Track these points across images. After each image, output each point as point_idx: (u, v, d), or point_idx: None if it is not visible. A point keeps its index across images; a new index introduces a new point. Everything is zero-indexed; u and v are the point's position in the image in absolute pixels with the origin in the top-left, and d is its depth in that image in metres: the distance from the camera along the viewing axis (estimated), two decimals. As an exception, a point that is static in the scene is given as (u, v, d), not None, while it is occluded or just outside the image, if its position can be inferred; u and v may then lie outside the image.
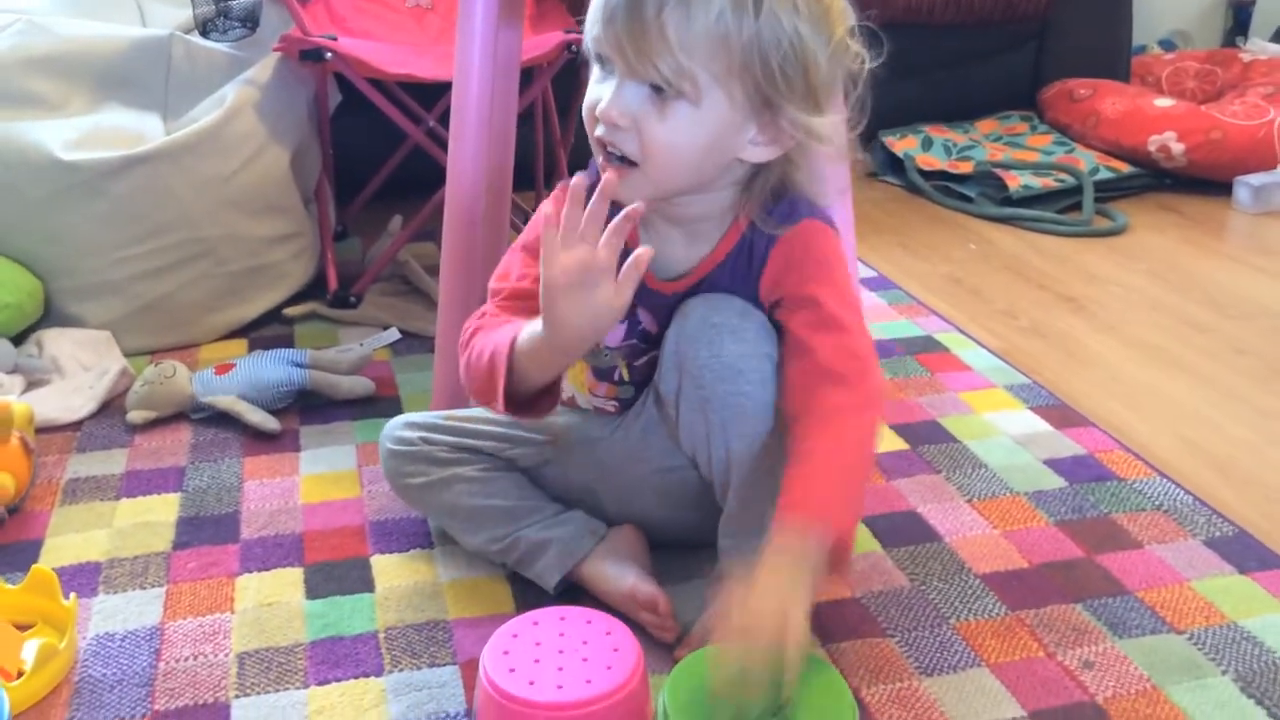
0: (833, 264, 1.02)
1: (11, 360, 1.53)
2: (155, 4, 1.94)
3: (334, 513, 1.27)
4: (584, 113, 0.98)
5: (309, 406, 1.50)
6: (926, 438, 1.44)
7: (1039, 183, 2.34)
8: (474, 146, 1.37)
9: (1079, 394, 1.57)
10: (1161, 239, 2.19)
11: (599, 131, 0.96)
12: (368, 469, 1.36)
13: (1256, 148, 2.35)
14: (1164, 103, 2.48)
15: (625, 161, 0.95)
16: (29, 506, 1.29)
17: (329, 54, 1.68)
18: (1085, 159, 2.45)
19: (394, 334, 1.69)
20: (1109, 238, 2.20)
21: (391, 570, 1.18)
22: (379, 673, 1.03)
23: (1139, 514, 1.27)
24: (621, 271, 0.91)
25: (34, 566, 1.10)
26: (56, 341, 1.58)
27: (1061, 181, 2.36)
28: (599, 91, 0.95)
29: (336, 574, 1.17)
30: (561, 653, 0.91)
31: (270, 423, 1.43)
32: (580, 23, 1.93)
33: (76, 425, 1.46)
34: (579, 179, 0.92)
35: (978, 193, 2.36)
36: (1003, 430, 1.46)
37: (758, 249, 1.02)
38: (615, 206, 1.03)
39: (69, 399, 1.49)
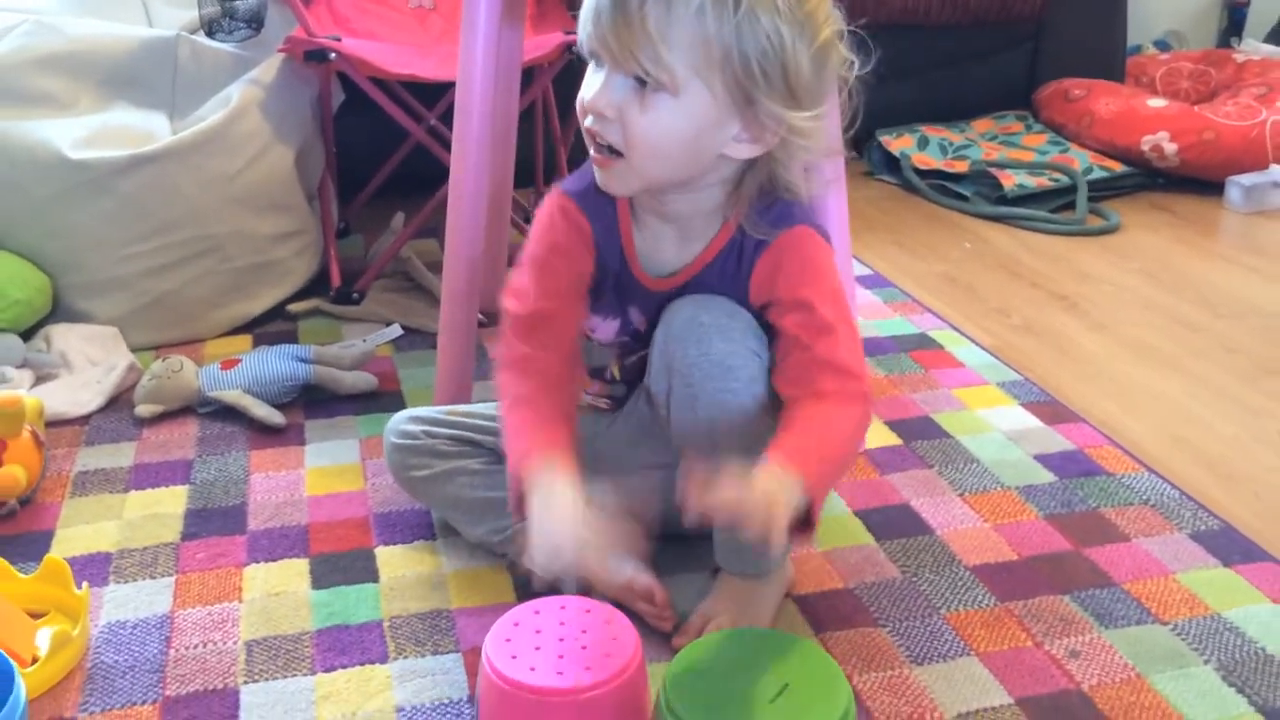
0: (822, 269, 1.04)
1: (21, 355, 1.56)
2: (161, 5, 1.96)
3: (339, 505, 1.30)
4: (577, 106, 1.01)
5: (313, 401, 1.52)
6: (920, 433, 1.46)
7: (1033, 182, 2.37)
8: (476, 145, 1.39)
9: (1070, 391, 1.60)
10: (1154, 238, 2.22)
11: (588, 122, 0.99)
12: (371, 462, 1.39)
13: (1248, 148, 2.38)
14: (1157, 103, 2.51)
15: (612, 152, 0.99)
16: (40, 498, 1.31)
17: (333, 54, 1.70)
18: (1079, 158, 2.48)
19: (396, 330, 1.71)
20: (1102, 236, 2.23)
21: (395, 561, 1.20)
22: (384, 660, 1.06)
23: (1127, 508, 1.30)
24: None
25: (47, 556, 1.13)
26: (65, 337, 1.61)
27: (1056, 181, 2.38)
28: (587, 85, 0.99)
29: (341, 565, 1.20)
30: (562, 640, 0.94)
31: (275, 417, 1.46)
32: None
33: (85, 419, 1.49)
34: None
35: (973, 192, 2.39)
36: (995, 426, 1.48)
37: (747, 251, 1.04)
38: (609, 198, 1.06)
39: (77, 393, 1.51)
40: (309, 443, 1.44)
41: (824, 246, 1.05)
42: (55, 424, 1.46)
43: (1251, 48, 3.04)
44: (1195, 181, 2.43)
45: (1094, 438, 1.45)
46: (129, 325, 1.66)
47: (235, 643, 1.08)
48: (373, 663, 1.06)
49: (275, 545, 1.23)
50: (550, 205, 1.09)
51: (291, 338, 1.72)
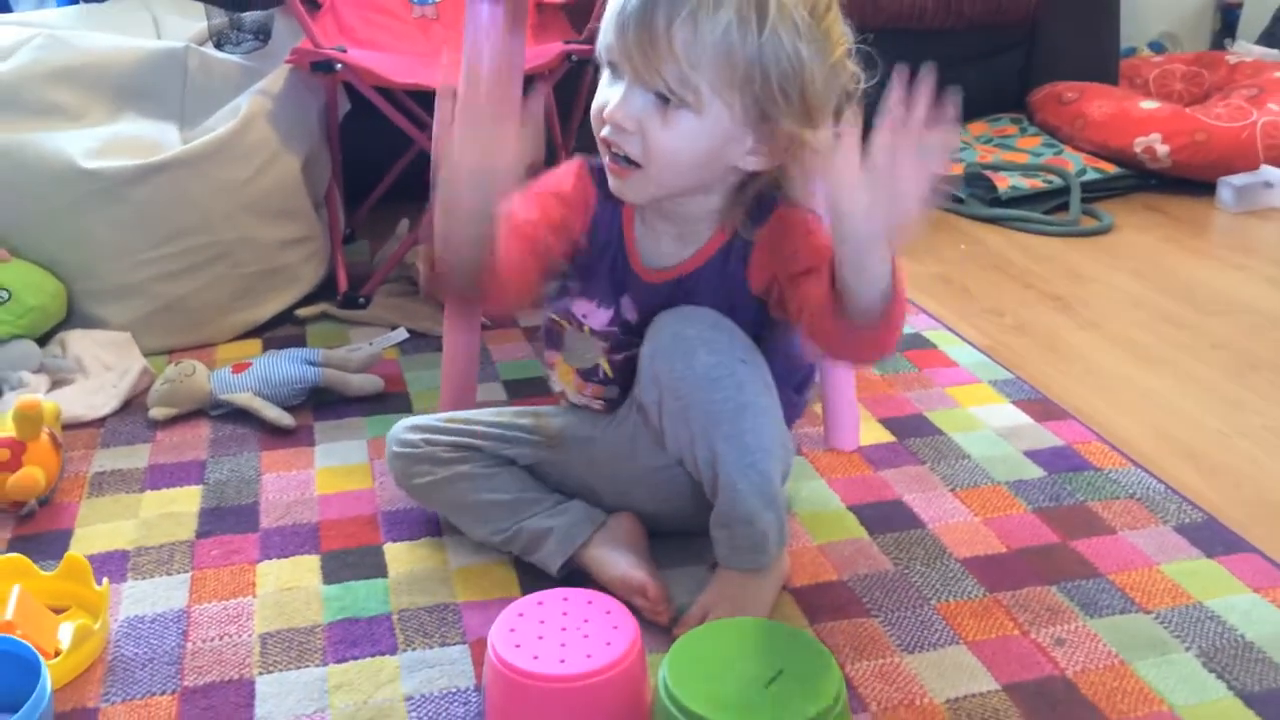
0: (814, 233, 1.06)
1: (37, 360, 1.60)
2: (170, 17, 2.00)
3: (348, 503, 1.34)
4: (592, 113, 1.04)
5: (322, 403, 1.56)
6: (913, 430, 1.50)
7: (1027, 184, 2.40)
8: (479, 154, 1.43)
9: (1060, 388, 1.63)
10: (1146, 238, 2.25)
11: (605, 132, 1.02)
12: (379, 462, 1.42)
13: (1240, 149, 2.41)
14: (1149, 105, 2.55)
15: (629, 162, 1.02)
16: (58, 499, 1.35)
17: (339, 65, 1.74)
18: (1073, 160, 2.51)
19: (402, 334, 1.75)
20: (1095, 237, 2.26)
21: (403, 557, 1.24)
22: (393, 651, 1.10)
23: (1113, 502, 1.34)
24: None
25: (67, 554, 1.17)
26: (80, 342, 1.65)
27: (1050, 183, 2.42)
28: (607, 94, 1.02)
29: (351, 560, 1.23)
30: (564, 630, 0.98)
31: (285, 419, 1.50)
32: (579, 33, 2.00)
33: (100, 422, 1.53)
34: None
35: (968, 194, 2.43)
36: (986, 423, 1.52)
37: (736, 248, 1.09)
38: (615, 200, 1.09)
39: (92, 397, 1.55)
40: (318, 443, 1.48)
41: (805, 214, 1.07)
42: (72, 427, 1.50)
43: (1244, 49, 3.08)
44: (1188, 182, 2.47)
45: (1082, 434, 1.49)
46: (142, 330, 1.70)
47: (250, 635, 1.12)
48: (382, 654, 1.09)
49: (287, 542, 1.27)
50: (571, 165, 1.12)
51: (300, 342, 1.76)
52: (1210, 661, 1.08)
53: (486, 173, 0.92)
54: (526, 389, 1.60)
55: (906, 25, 2.66)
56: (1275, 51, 3.01)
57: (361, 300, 1.86)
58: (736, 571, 1.13)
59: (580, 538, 1.17)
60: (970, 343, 1.77)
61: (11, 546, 1.25)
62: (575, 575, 1.17)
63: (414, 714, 1.02)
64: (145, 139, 1.74)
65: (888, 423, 1.52)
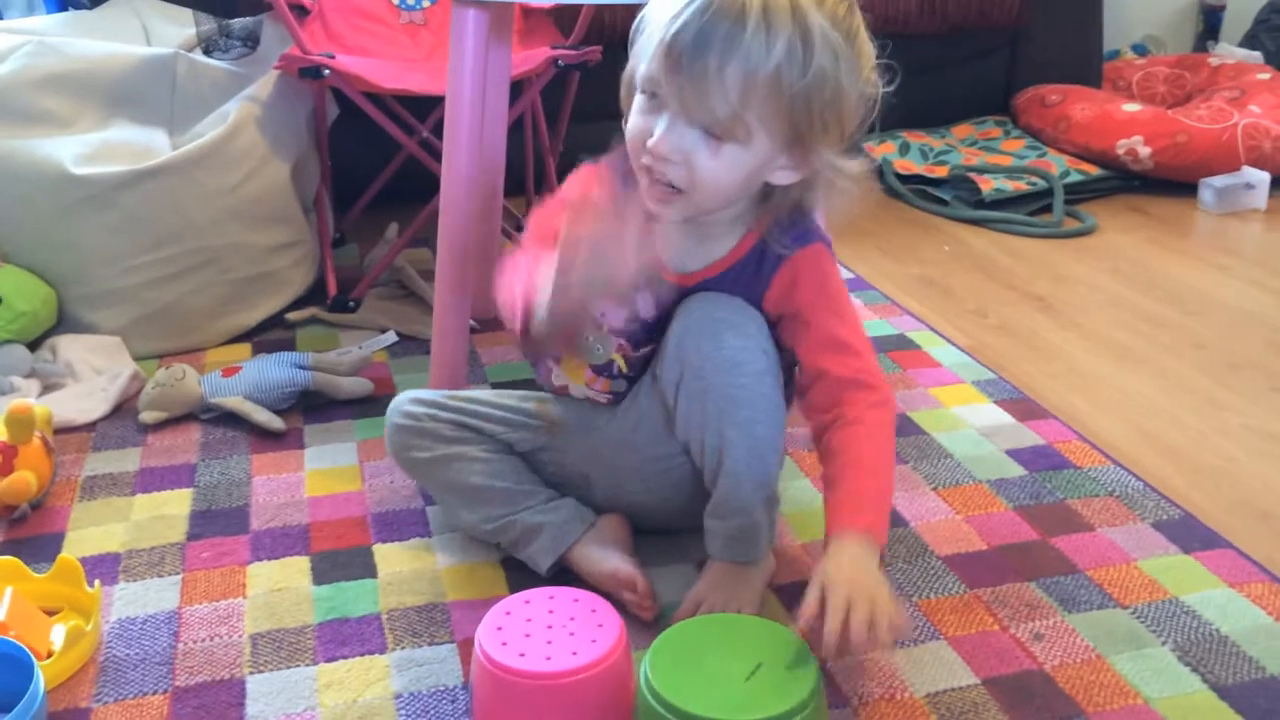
0: (834, 287, 1.12)
1: (28, 365, 1.61)
2: (160, 24, 2.02)
3: (337, 505, 1.36)
4: (629, 138, 1.05)
5: (312, 406, 1.58)
6: (897, 430, 1.49)
7: (1011, 186, 2.43)
8: (466, 158, 1.45)
9: (1042, 388, 1.66)
10: (1128, 239, 2.28)
11: (646, 160, 1.03)
12: (368, 464, 1.44)
13: (1220, 150, 2.44)
14: (1131, 107, 2.57)
15: (671, 188, 1.04)
16: (50, 502, 1.37)
17: (327, 71, 1.76)
18: (1056, 162, 2.54)
19: (391, 337, 1.77)
20: (1078, 238, 2.29)
21: (392, 557, 1.26)
22: (383, 650, 1.11)
23: (1092, 499, 1.36)
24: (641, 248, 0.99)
25: (59, 556, 1.18)
26: (70, 347, 1.66)
27: (1033, 185, 2.44)
28: (647, 123, 1.02)
29: (341, 561, 1.25)
30: (550, 628, 0.99)
31: (275, 422, 1.51)
32: (566, 38, 2.01)
33: (91, 426, 1.54)
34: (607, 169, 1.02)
35: (953, 196, 2.45)
36: (968, 423, 1.54)
37: (767, 262, 1.11)
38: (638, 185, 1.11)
39: (83, 401, 1.56)
40: (308, 446, 1.49)
41: (834, 264, 1.13)
42: (63, 431, 1.51)
43: (1226, 51, 3.11)
44: (1170, 184, 2.49)
45: (1063, 433, 1.51)
46: (132, 335, 1.71)
47: (240, 636, 1.13)
48: (372, 653, 1.11)
49: (277, 544, 1.28)
50: (595, 169, 1.13)
51: (290, 345, 1.77)
52: (1186, 655, 1.10)
53: (606, 285, 1.01)
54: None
55: (891, 30, 2.66)
56: (1257, 54, 3.05)
57: (351, 304, 1.87)
58: (728, 563, 1.15)
59: (572, 536, 1.19)
60: (953, 343, 1.79)
61: (4, 549, 1.26)
62: (561, 574, 1.19)
63: (403, 712, 1.03)
64: (135, 145, 1.75)
65: (871, 423, 1.53)
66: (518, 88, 1.86)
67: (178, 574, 1.23)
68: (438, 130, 1.93)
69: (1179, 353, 1.78)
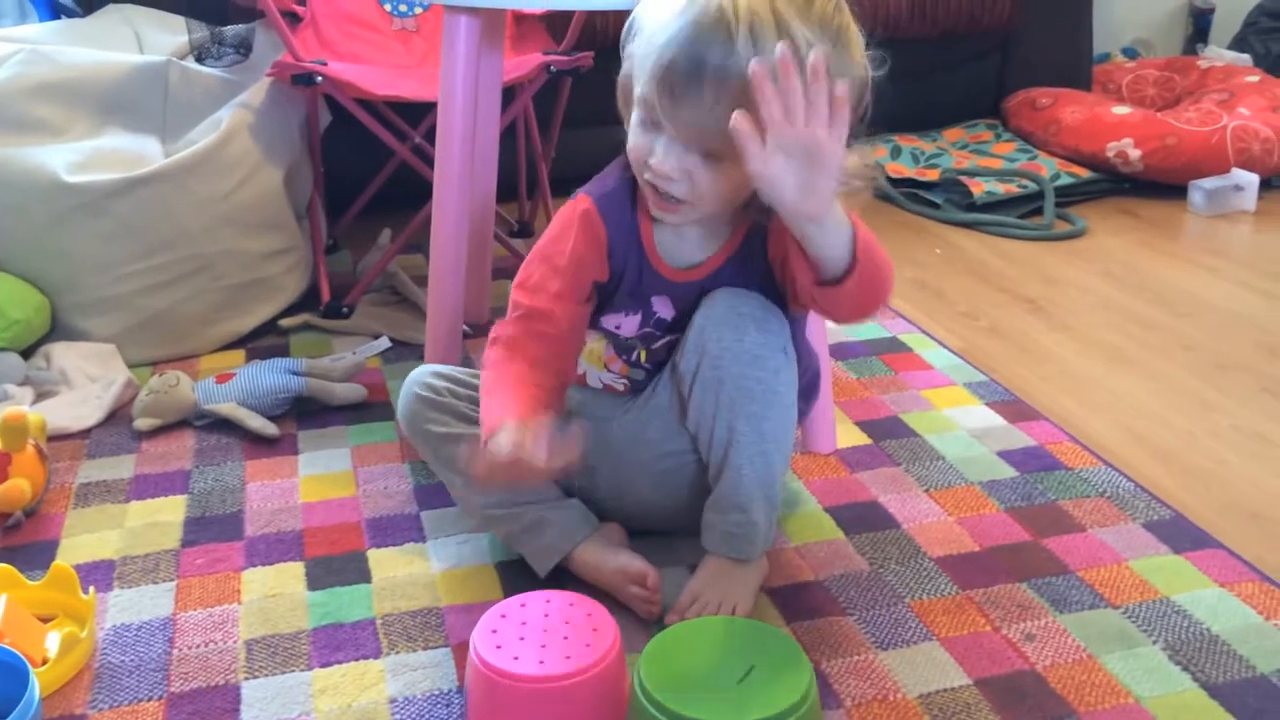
0: None
1: (21, 373, 1.61)
2: (152, 31, 2.02)
3: (332, 511, 1.36)
4: (630, 152, 1.06)
5: (305, 412, 1.58)
6: (888, 433, 1.53)
7: (1002, 189, 2.44)
8: (459, 164, 1.46)
9: (1033, 389, 1.66)
10: (1119, 241, 2.29)
11: (648, 176, 1.04)
12: (363, 470, 1.44)
13: (1210, 153, 2.45)
14: (1121, 110, 2.59)
15: (674, 199, 1.05)
16: (44, 510, 1.37)
17: (319, 78, 1.76)
18: (1047, 165, 2.55)
19: (385, 343, 1.77)
20: (1069, 241, 2.30)
21: (387, 563, 1.26)
22: (377, 655, 1.11)
23: (1084, 500, 1.36)
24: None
25: (54, 563, 1.18)
26: (64, 355, 1.66)
27: (1024, 187, 2.45)
28: (647, 141, 1.03)
29: (335, 567, 1.25)
30: (545, 632, 1.00)
31: (269, 428, 1.51)
32: (558, 43, 2.02)
33: (85, 433, 1.54)
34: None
35: (944, 199, 2.46)
36: (960, 425, 1.55)
37: (757, 232, 1.12)
38: (629, 200, 1.11)
39: (77, 409, 1.57)
40: (302, 452, 1.49)
41: None
42: (57, 438, 1.51)
43: (1215, 54, 3.12)
44: (1159, 186, 2.50)
45: (1054, 434, 1.52)
46: (126, 342, 1.71)
47: (235, 642, 1.14)
48: (367, 658, 1.11)
49: (271, 550, 1.28)
50: (570, 212, 1.14)
51: (283, 352, 1.78)
52: (1176, 655, 1.10)
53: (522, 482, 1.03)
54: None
55: (882, 34, 2.68)
56: (1246, 56, 3.06)
57: (344, 310, 1.88)
58: (723, 559, 1.16)
59: (578, 538, 1.19)
60: (945, 345, 1.80)
61: (-2, 557, 1.27)
62: (556, 578, 1.19)
63: (398, 716, 1.04)
64: (128, 153, 1.75)
65: (864, 425, 1.54)
66: (510, 93, 1.87)
67: (172, 580, 1.23)
68: (430, 136, 1.93)
69: (1169, 354, 1.79)
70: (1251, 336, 1.85)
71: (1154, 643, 1.12)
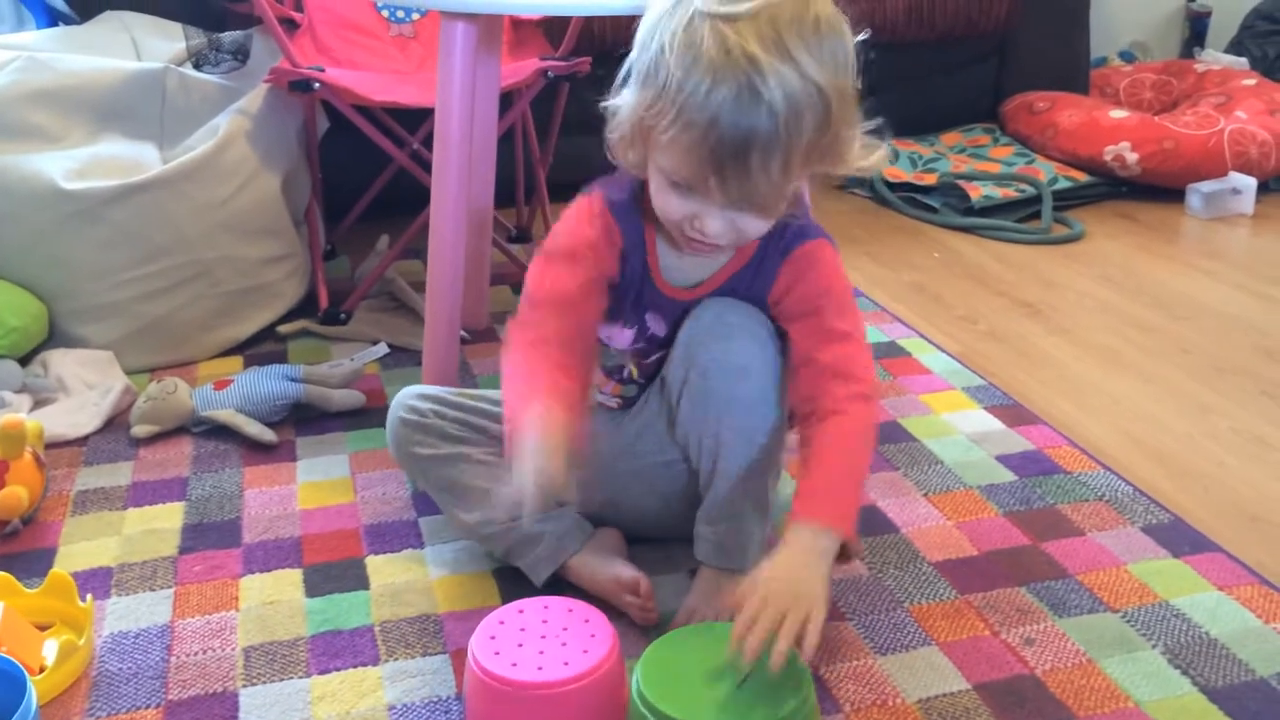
0: (835, 279, 1.12)
1: (19, 380, 1.60)
2: (149, 38, 2.02)
3: (330, 517, 1.36)
4: (661, 212, 1.05)
5: (303, 419, 1.58)
6: (888, 437, 1.53)
7: (1000, 193, 2.44)
8: (456, 170, 1.46)
9: (1032, 393, 1.66)
10: (1116, 245, 2.29)
11: (690, 233, 1.04)
12: (361, 476, 1.44)
13: (1207, 156, 2.45)
14: (1119, 114, 2.59)
15: (714, 245, 1.06)
16: (42, 517, 1.37)
17: (317, 84, 1.76)
18: (1045, 169, 2.55)
19: (383, 349, 1.77)
20: (1066, 245, 2.30)
21: (385, 569, 1.26)
22: (375, 662, 1.11)
23: (1082, 504, 1.36)
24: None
25: (51, 571, 1.18)
26: (61, 362, 1.66)
27: (1022, 191, 2.46)
28: (687, 207, 1.02)
29: (334, 574, 1.25)
30: (543, 638, 1.00)
31: (267, 434, 1.51)
32: (556, 49, 2.02)
33: (83, 440, 1.54)
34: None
35: (942, 203, 2.46)
36: (959, 429, 1.55)
37: (769, 264, 1.12)
38: (640, 212, 1.11)
39: (75, 416, 1.56)
40: (300, 459, 1.49)
41: (836, 257, 1.13)
42: (54, 446, 1.51)
43: (1212, 58, 3.13)
44: (1157, 190, 2.51)
45: (1053, 438, 1.52)
46: (123, 349, 1.71)
47: (233, 649, 1.13)
48: (365, 665, 1.11)
49: (270, 557, 1.28)
50: (587, 206, 1.13)
51: (281, 358, 1.77)
52: (1176, 658, 1.10)
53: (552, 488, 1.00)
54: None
55: (881, 38, 2.68)
56: (1243, 60, 3.06)
57: (343, 316, 1.88)
58: (717, 573, 1.15)
59: (572, 548, 1.19)
60: (943, 350, 1.80)
61: (-5, 565, 1.27)
62: (553, 585, 1.19)
63: (396, 723, 1.04)
64: (125, 159, 1.75)
65: (862, 430, 1.54)
66: (507, 99, 1.87)
67: (170, 588, 1.23)
68: (428, 142, 1.92)
69: (1167, 357, 1.79)
70: (1249, 339, 1.85)
71: (1153, 647, 1.12)
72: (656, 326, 1.16)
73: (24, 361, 1.66)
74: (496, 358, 1.76)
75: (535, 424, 1.00)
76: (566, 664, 0.97)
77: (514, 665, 0.96)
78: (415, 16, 2.12)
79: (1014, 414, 1.59)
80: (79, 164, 1.71)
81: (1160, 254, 2.24)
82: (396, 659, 1.12)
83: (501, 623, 1.02)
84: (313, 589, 1.23)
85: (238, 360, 1.78)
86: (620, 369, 1.21)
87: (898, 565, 1.25)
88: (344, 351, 1.78)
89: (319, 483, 1.43)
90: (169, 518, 1.36)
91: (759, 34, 0.93)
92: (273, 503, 1.39)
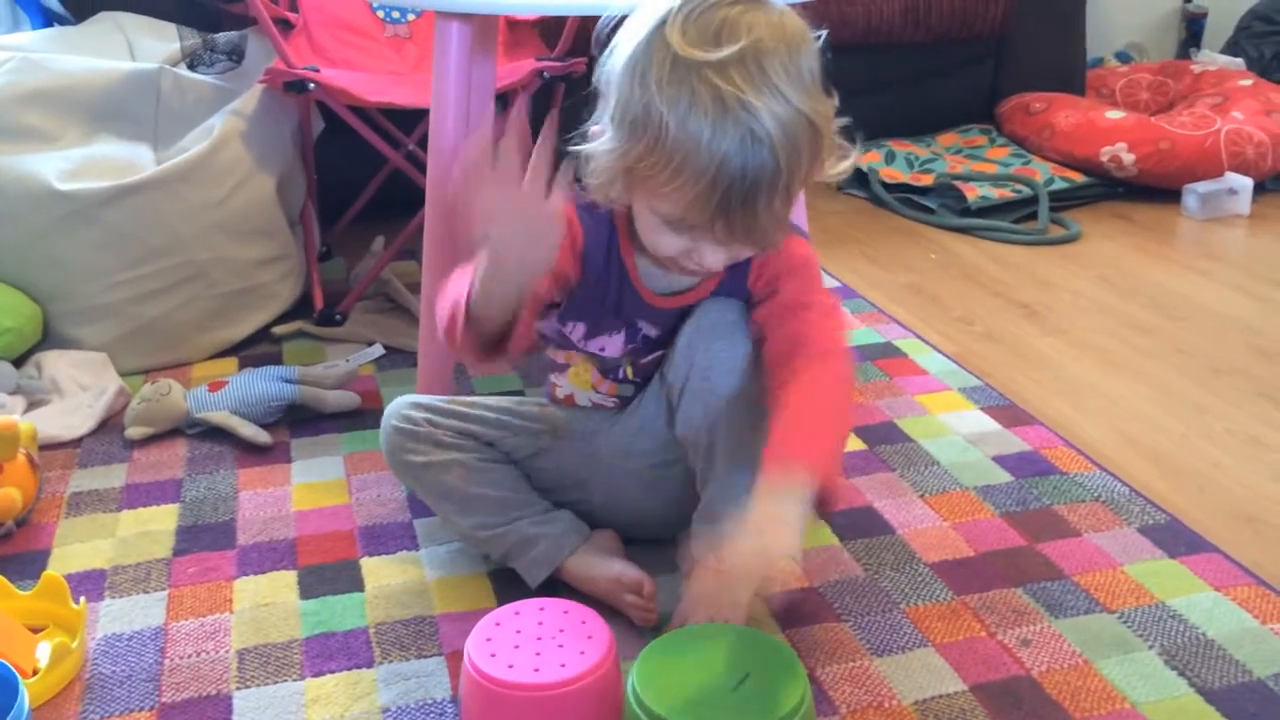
0: (800, 259, 1.12)
1: (13, 382, 1.60)
2: (144, 39, 2.02)
3: (324, 519, 1.35)
4: (653, 248, 1.05)
5: (298, 420, 1.57)
6: (884, 438, 1.52)
7: (997, 194, 2.44)
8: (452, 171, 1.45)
9: (1028, 394, 1.66)
10: (1113, 246, 2.29)
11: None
12: (356, 478, 1.44)
13: (1204, 157, 2.45)
14: (1115, 115, 2.59)
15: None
16: (35, 519, 1.36)
17: (312, 85, 1.76)
18: (1041, 170, 2.55)
19: (378, 350, 1.77)
20: (1063, 246, 2.30)
21: (380, 571, 1.25)
22: (370, 664, 1.11)
23: (1079, 505, 1.36)
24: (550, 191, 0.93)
25: (44, 573, 1.17)
26: (55, 363, 1.65)
27: (1018, 192, 2.45)
28: (682, 243, 1.02)
29: (328, 575, 1.25)
30: (539, 640, 0.99)
31: (262, 436, 1.51)
32: (551, 49, 2.02)
33: (77, 442, 1.53)
34: (517, 116, 0.93)
35: (938, 204, 2.46)
36: (955, 430, 1.54)
37: (743, 262, 1.11)
38: (608, 217, 1.10)
39: (69, 417, 1.56)
40: (295, 460, 1.49)
41: (806, 246, 1.13)
42: (48, 447, 1.50)
43: (1208, 58, 3.13)
44: (1154, 190, 2.51)
45: (1049, 439, 1.51)
46: (118, 351, 1.71)
47: (227, 651, 1.13)
48: (359, 667, 1.11)
49: (264, 558, 1.28)
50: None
51: (276, 359, 1.77)
52: (1172, 659, 1.10)
53: (530, 261, 0.97)
54: (502, 403, 1.62)
55: (875, 40, 2.69)
56: (1239, 60, 3.06)
57: (338, 317, 1.87)
58: (713, 571, 1.15)
59: (568, 549, 1.19)
60: (940, 350, 1.80)
61: (-11, 567, 1.26)
62: (549, 587, 1.19)
63: (390, 725, 1.03)
64: (119, 160, 1.75)
65: (859, 431, 1.54)
66: (503, 100, 1.87)
67: (164, 590, 1.23)
68: (423, 143, 1.93)
69: (1163, 358, 1.79)
70: (1245, 340, 1.85)
71: (1150, 648, 1.12)
72: (649, 329, 1.16)
73: (18, 363, 1.66)
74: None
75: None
76: (563, 666, 0.96)
77: (510, 667, 0.96)
78: (411, 17, 2.11)
79: (1010, 415, 1.58)
80: (73, 165, 1.70)
81: (1157, 255, 2.24)
82: (391, 661, 1.11)
83: (497, 624, 1.01)
84: (307, 591, 1.22)
85: (232, 362, 1.77)
86: (616, 369, 1.20)
87: (894, 566, 1.25)
88: (339, 353, 1.78)
89: (314, 484, 1.43)
90: (163, 520, 1.36)
91: (748, 77, 0.93)
92: (267, 504, 1.38)
